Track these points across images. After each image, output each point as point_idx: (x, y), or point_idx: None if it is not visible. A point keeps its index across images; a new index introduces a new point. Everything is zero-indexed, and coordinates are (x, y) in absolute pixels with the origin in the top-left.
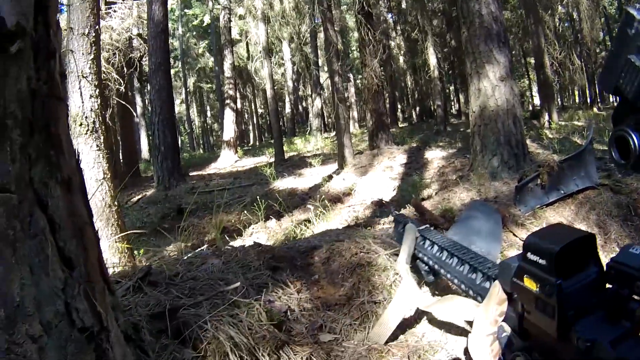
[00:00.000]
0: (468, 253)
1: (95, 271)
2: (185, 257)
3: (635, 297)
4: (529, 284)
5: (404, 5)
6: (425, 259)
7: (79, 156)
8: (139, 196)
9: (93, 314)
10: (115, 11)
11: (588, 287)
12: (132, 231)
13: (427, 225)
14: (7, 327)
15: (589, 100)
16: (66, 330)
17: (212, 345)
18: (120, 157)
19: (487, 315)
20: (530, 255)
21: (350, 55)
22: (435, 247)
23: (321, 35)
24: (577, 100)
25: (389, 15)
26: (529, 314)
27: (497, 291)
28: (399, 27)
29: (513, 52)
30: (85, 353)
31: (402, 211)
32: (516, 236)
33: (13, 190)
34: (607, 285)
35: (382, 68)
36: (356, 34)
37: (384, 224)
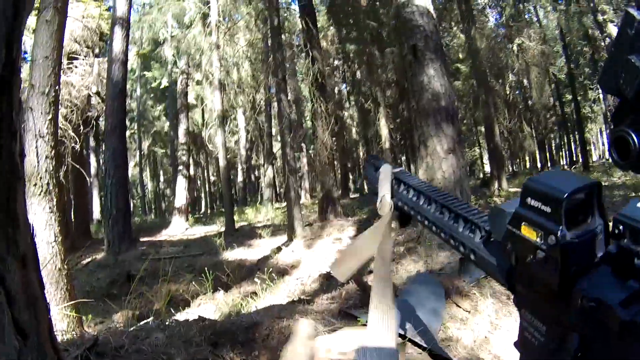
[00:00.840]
0: (448, 198)
1: (46, 341)
2: (131, 329)
3: None
4: (528, 232)
5: (358, 76)
6: (400, 204)
7: (33, 231)
8: (89, 259)
9: None
10: (76, 67)
11: (593, 240)
12: (81, 300)
13: (402, 168)
14: None
15: (539, 165)
16: None
17: None
18: (72, 217)
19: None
20: (530, 201)
21: (304, 124)
22: (412, 191)
23: (276, 104)
24: (527, 166)
25: (343, 86)
26: (523, 267)
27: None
28: (352, 98)
29: (464, 121)
30: None
31: (345, 287)
32: (459, 307)
33: None
34: (612, 242)
35: (334, 139)
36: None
37: (327, 299)
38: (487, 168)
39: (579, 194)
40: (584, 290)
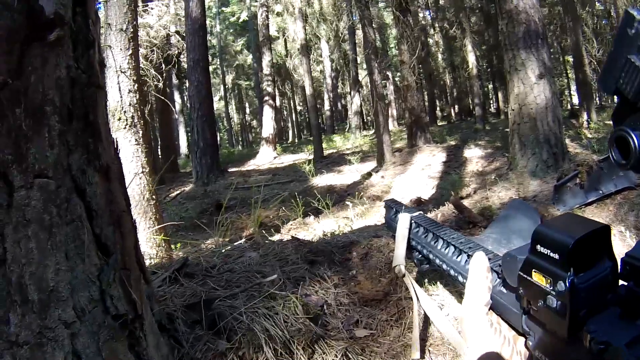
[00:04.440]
0: (466, 242)
1: (131, 259)
2: (223, 250)
3: None
4: (538, 278)
5: (442, 2)
6: (419, 247)
7: (117, 145)
8: (178, 191)
9: (127, 301)
10: (152, 8)
11: (601, 283)
12: (169, 223)
13: (421, 212)
14: (41, 312)
15: None
16: (99, 316)
17: (246, 337)
18: (159, 153)
19: (479, 285)
20: (540, 248)
21: (388, 52)
22: (430, 235)
23: (359, 32)
24: (615, 99)
25: (427, 12)
26: (535, 311)
27: (481, 260)
28: (437, 25)
29: (551, 50)
30: (117, 340)
31: (442, 209)
32: None
33: (51, 176)
34: (621, 282)
35: (420, 66)
36: (394, 31)
37: None
38: (574, 99)
39: (586, 240)
40: (592, 332)
